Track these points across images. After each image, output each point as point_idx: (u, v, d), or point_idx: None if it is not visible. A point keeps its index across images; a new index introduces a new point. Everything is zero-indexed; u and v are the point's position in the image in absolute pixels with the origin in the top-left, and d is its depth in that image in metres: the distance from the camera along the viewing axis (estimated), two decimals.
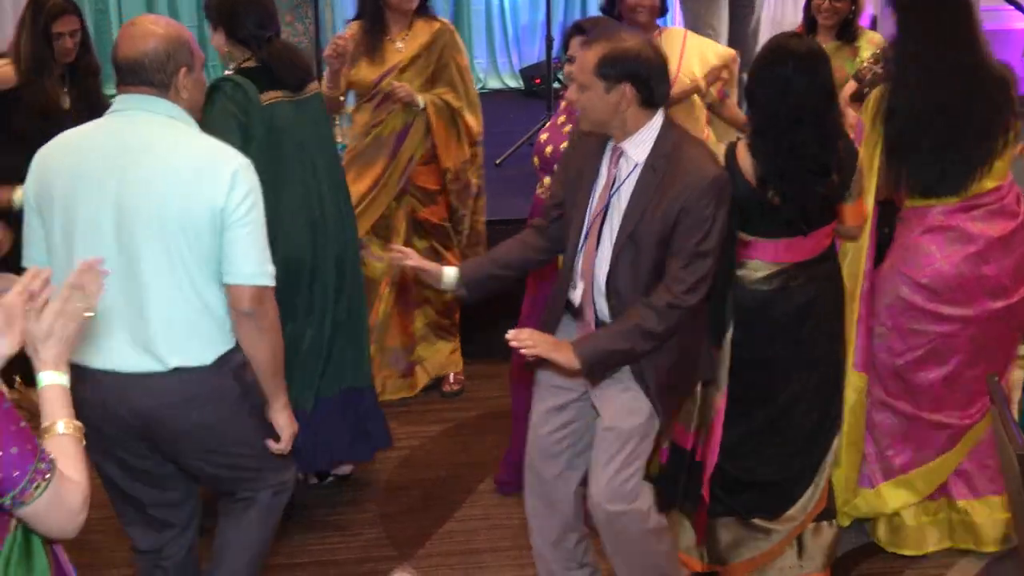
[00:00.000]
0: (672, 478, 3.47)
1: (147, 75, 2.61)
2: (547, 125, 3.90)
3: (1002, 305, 3.52)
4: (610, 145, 2.95)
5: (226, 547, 2.95)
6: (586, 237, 2.99)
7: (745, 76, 3.97)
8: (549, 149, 3.69)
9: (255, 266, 2.66)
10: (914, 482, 3.64)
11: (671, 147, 2.89)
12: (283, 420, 2.87)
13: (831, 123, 3.21)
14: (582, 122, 2.99)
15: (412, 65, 4.31)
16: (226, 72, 3.53)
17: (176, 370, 2.64)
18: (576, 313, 3.08)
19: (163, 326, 2.62)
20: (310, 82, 3.64)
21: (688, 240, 2.83)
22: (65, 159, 2.67)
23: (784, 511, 3.44)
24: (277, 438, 2.86)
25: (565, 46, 3.56)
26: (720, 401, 3.34)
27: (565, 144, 3.55)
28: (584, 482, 3.14)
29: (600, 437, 3.03)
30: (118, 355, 2.63)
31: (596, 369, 2.90)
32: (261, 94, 3.43)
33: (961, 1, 3.43)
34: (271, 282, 2.71)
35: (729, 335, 3.31)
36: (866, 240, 3.55)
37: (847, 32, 4.51)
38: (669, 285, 2.85)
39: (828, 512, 3.50)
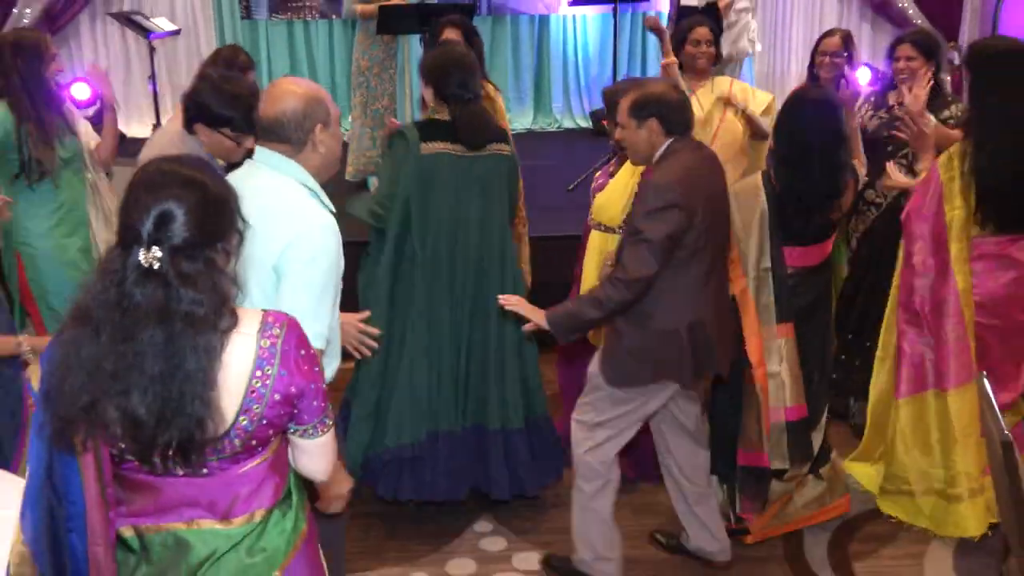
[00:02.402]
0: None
1: (286, 132, 2.36)
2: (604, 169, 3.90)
3: None
4: None
5: None
6: None
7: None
8: (593, 184, 3.82)
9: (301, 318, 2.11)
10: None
11: (660, 160, 2.96)
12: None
13: (838, 159, 3.23)
14: (631, 158, 3.06)
15: None
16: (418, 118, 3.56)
17: None
18: None
19: None
20: (493, 143, 3.50)
21: (632, 225, 2.91)
22: None
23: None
24: None
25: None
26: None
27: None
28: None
29: None
30: None
31: (559, 329, 2.94)
32: (425, 143, 3.37)
33: None
34: (314, 344, 2.08)
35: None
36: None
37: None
38: (617, 263, 2.94)
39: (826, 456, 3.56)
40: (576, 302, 2.99)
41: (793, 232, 3.27)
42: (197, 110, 3.04)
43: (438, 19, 4.45)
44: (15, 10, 7.00)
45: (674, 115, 2.94)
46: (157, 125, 6.63)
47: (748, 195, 3.29)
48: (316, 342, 2.24)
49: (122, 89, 7.58)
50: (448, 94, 3.44)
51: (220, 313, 1.72)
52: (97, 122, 7.19)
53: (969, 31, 7.47)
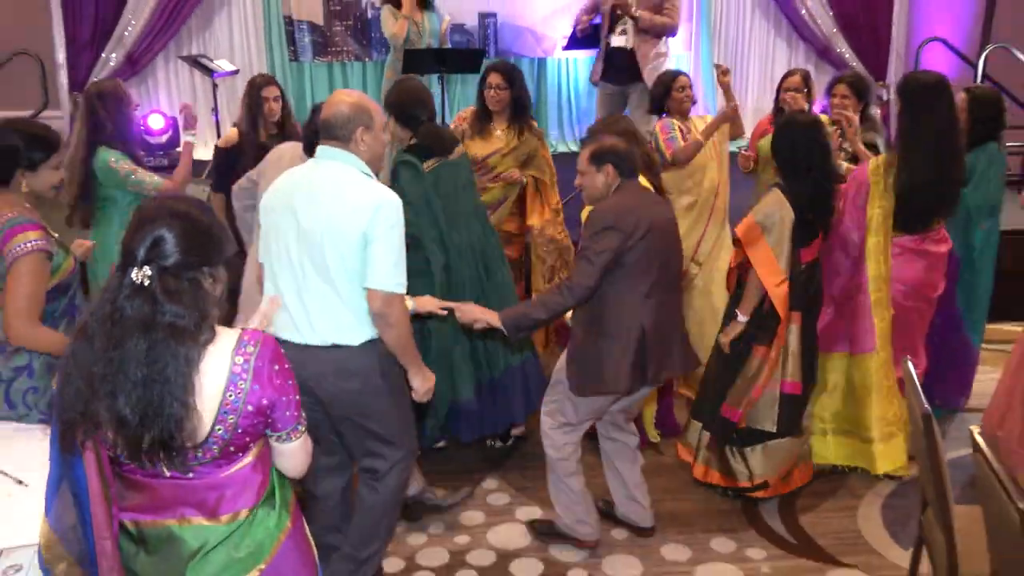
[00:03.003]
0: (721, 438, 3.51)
1: (335, 131, 2.52)
2: None
3: (934, 297, 3.70)
4: None
5: (361, 509, 2.80)
6: None
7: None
8: None
9: (385, 276, 2.48)
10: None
11: (607, 197, 2.95)
12: (417, 382, 2.70)
13: (830, 167, 3.29)
14: (586, 199, 3.02)
15: (512, 152, 4.14)
16: (399, 150, 3.50)
17: (334, 346, 2.52)
18: None
19: (319, 314, 2.51)
20: (456, 146, 3.53)
21: (580, 245, 2.90)
22: (279, 189, 2.60)
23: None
24: (410, 422, 2.77)
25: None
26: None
27: None
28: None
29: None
30: (295, 331, 2.53)
31: (510, 327, 2.86)
32: (424, 163, 3.36)
33: (950, 103, 3.45)
34: (398, 290, 2.52)
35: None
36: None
37: None
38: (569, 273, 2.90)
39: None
40: (525, 305, 2.97)
41: (804, 233, 3.26)
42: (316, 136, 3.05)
43: (492, 62, 4.36)
44: (103, 54, 7.02)
45: (625, 162, 2.94)
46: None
47: (776, 208, 3.24)
48: (399, 289, 2.51)
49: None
50: (407, 120, 3.43)
51: (200, 327, 1.66)
52: (170, 148, 7.26)
53: (895, 72, 7.50)
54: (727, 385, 3.44)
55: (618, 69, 5.51)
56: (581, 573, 3.17)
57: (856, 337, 3.58)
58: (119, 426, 1.64)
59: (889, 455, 3.63)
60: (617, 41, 5.51)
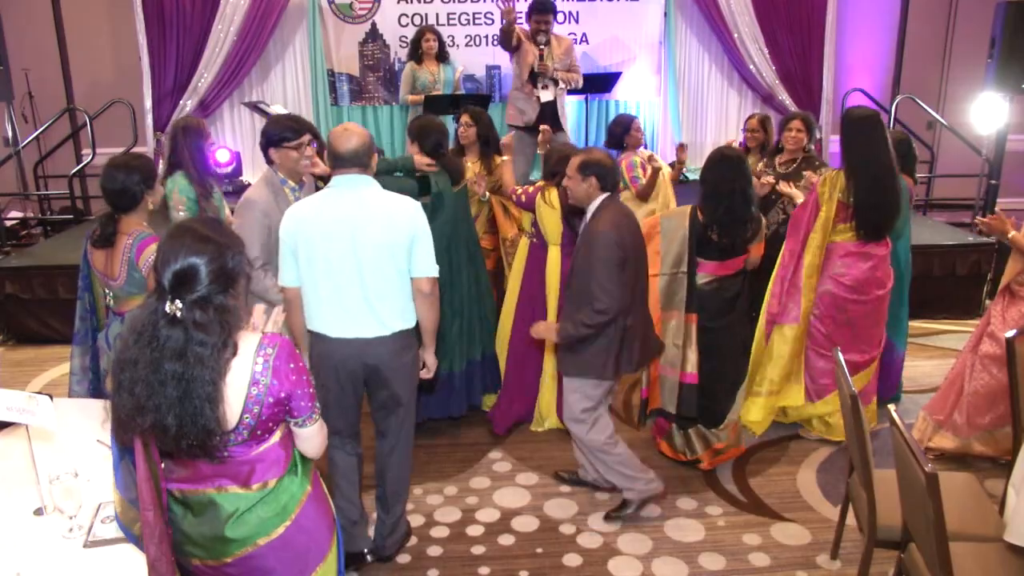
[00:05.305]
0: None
1: (362, 159, 2.46)
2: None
3: (882, 293, 3.56)
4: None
5: (392, 467, 2.75)
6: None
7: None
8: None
9: (431, 264, 2.52)
10: (834, 399, 3.64)
11: (598, 212, 2.83)
12: (431, 360, 2.71)
13: (748, 197, 3.17)
14: (572, 199, 2.91)
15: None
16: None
17: (395, 332, 2.53)
18: None
19: (387, 310, 2.49)
20: (463, 179, 3.56)
21: (589, 268, 2.72)
22: (324, 217, 2.44)
23: (723, 422, 3.40)
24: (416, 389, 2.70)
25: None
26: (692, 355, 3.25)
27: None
28: None
29: None
30: (360, 327, 2.49)
31: (563, 340, 2.81)
32: (422, 196, 3.32)
33: (882, 130, 3.42)
34: (437, 274, 2.56)
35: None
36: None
37: (766, 150, 4.47)
38: (590, 300, 2.74)
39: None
40: (564, 324, 2.80)
41: (713, 250, 3.19)
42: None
43: (466, 106, 4.37)
44: (181, 101, 7.09)
45: (608, 176, 2.83)
46: None
47: (678, 219, 3.22)
48: (436, 273, 2.54)
49: (251, 154, 7.62)
50: (432, 148, 3.42)
51: (225, 346, 1.61)
52: (234, 176, 7.25)
53: (825, 115, 7.51)
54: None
55: (544, 118, 5.50)
56: (571, 527, 3.15)
57: (786, 310, 3.56)
58: (160, 432, 1.62)
59: (756, 410, 3.64)
60: (545, 96, 5.54)
